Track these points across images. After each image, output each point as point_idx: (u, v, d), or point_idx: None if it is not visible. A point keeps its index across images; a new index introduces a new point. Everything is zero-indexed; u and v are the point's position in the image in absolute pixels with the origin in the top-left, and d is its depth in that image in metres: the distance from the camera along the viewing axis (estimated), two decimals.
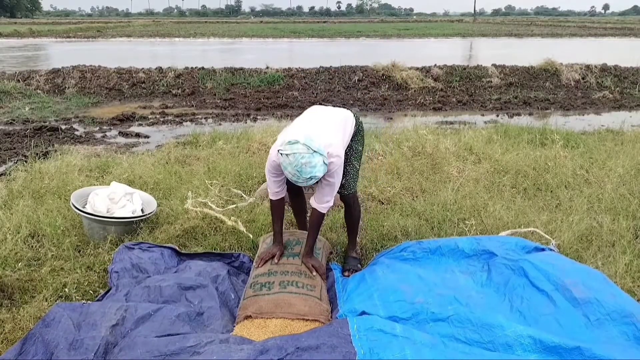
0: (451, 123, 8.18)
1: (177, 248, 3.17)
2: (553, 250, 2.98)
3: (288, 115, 8.53)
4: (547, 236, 3.33)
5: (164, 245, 3.21)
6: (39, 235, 3.45)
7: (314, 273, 2.72)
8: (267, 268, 2.72)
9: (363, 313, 2.39)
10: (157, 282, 2.71)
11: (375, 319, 2.25)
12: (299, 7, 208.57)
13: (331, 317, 2.53)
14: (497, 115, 9.07)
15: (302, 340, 2.13)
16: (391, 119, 8.75)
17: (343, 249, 3.33)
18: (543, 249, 2.92)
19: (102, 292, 2.82)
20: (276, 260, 2.78)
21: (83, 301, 2.69)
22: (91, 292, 2.84)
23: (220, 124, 8.09)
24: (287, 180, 2.73)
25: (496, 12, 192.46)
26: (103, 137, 7.20)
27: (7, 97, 9.60)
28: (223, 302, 2.65)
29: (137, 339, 2.18)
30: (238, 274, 3.00)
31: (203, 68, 11.83)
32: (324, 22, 69.80)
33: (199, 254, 3.17)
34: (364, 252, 3.31)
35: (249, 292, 2.61)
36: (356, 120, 2.99)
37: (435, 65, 12.00)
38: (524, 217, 3.68)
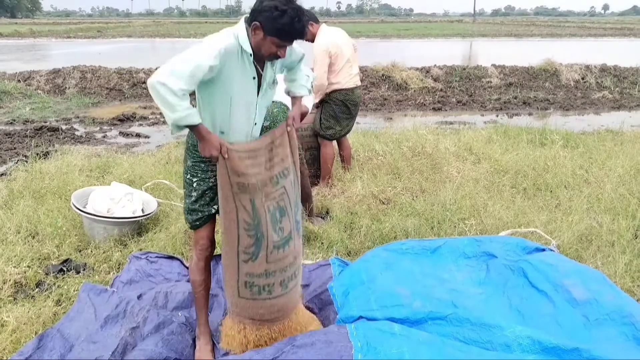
0: (451, 123, 8.19)
1: (182, 260, 3.17)
2: (553, 251, 2.99)
3: None
4: (547, 236, 3.34)
5: (172, 256, 3.20)
6: (39, 235, 3.46)
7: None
8: (264, 268, 2.29)
9: (360, 318, 2.39)
10: (168, 288, 2.77)
11: (373, 322, 2.26)
12: None
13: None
14: (497, 116, 9.08)
15: (298, 339, 2.14)
16: (391, 119, 8.76)
17: (343, 249, 3.34)
18: (544, 250, 2.92)
19: None
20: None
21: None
22: None
23: None
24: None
25: (496, 13, 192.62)
26: (103, 137, 7.21)
27: (8, 97, 9.61)
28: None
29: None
30: None
31: None
32: (324, 22, 69.44)
33: None
34: (365, 252, 3.32)
35: (245, 292, 2.29)
36: None
37: (435, 65, 12.00)
38: (524, 217, 3.69)
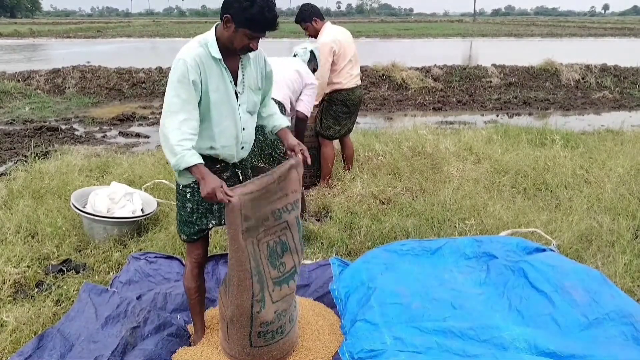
0: (451, 123, 8.18)
1: (182, 260, 3.17)
2: (554, 251, 2.98)
3: None
4: (547, 236, 3.34)
5: (171, 255, 3.20)
6: (39, 235, 3.46)
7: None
8: (274, 310, 2.17)
9: (363, 320, 2.39)
10: (167, 289, 2.76)
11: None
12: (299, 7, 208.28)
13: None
14: (497, 115, 9.08)
15: None
16: (391, 119, 8.75)
17: (343, 249, 3.34)
18: (544, 250, 2.91)
19: None
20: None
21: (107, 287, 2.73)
22: None
23: None
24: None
25: (496, 12, 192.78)
26: (103, 137, 7.21)
27: (7, 97, 9.61)
28: None
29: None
30: None
31: None
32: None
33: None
34: (365, 252, 3.31)
35: (259, 341, 2.20)
36: None
37: (435, 65, 11.99)
38: (524, 217, 3.69)
